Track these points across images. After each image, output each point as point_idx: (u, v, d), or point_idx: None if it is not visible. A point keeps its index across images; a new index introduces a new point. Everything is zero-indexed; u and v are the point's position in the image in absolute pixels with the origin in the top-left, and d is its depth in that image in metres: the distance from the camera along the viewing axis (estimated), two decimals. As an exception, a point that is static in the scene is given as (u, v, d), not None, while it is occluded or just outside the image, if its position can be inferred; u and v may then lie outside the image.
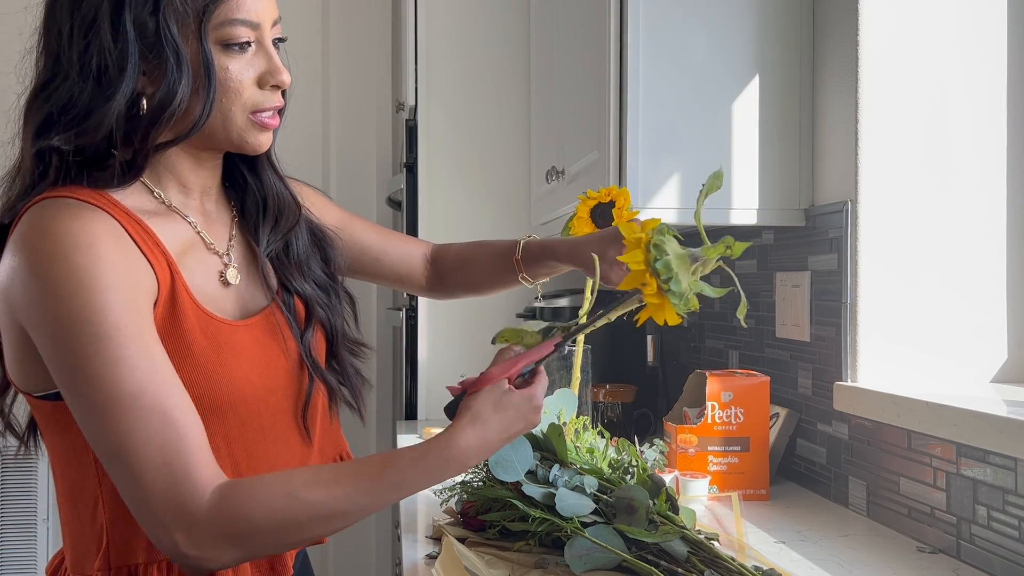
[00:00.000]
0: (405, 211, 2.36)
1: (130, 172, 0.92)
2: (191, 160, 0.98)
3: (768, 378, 1.47)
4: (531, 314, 2.00)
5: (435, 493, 1.28)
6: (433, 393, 2.31)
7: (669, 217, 1.52)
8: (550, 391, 1.37)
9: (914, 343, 1.36)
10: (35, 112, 0.91)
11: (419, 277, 1.31)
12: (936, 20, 1.36)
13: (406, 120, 2.35)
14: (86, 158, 0.91)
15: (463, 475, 1.05)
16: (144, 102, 0.90)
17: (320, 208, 1.18)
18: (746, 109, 1.51)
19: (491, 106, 2.33)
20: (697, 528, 1.14)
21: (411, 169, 2.32)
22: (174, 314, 0.90)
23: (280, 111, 0.98)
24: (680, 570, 0.98)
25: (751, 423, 1.45)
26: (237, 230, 1.05)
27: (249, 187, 1.05)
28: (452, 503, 1.25)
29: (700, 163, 1.51)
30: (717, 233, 1.91)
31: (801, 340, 1.55)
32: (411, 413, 2.33)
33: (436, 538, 1.21)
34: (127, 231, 0.89)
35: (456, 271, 1.30)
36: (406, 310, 2.38)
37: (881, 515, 1.33)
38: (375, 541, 3.02)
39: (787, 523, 1.33)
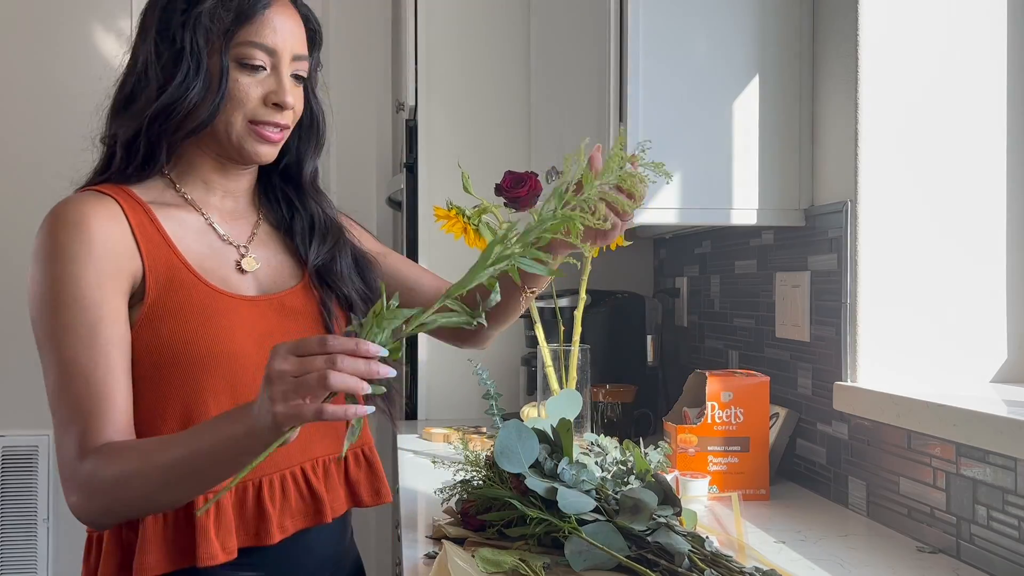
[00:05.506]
0: (405, 211, 2.35)
1: (147, 165, 1.08)
2: (213, 163, 1.13)
3: (768, 378, 1.47)
4: (528, 314, 1.99)
5: (435, 493, 1.28)
6: (433, 393, 2.31)
7: (668, 217, 1.52)
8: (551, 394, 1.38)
9: (914, 343, 1.36)
10: (111, 104, 1.10)
11: None
12: (936, 20, 1.36)
13: (406, 120, 2.35)
14: (128, 153, 1.08)
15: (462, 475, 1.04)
16: (162, 97, 1.05)
17: (361, 238, 1.31)
18: (746, 109, 1.51)
19: (491, 106, 2.33)
20: (697, 528, 1.14)
21: (411, 169, 2.32)
22: (171, 287, 1.03)
23: (284, 129, 1.12)
24: (680, 570, 0.98)
25: (751, 423, 1.45)
26: (266, 232, 1.19)
27: (296, 210, 1.22)
28: (452, 503, 1.25)
29: (700, 163, 1.51)
30: (717, 233, 1.92)
31: (801, 340, 1.55)
32: (411, 413, 2.33)
33: (436, 538, 1.21)
34: (127, 217, 1.02)
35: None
36: (406, 310, 2.38)
37: (881, 515, 1.33)
38: (375, 541, 3.02)
39: (787, 523, 1.33)
